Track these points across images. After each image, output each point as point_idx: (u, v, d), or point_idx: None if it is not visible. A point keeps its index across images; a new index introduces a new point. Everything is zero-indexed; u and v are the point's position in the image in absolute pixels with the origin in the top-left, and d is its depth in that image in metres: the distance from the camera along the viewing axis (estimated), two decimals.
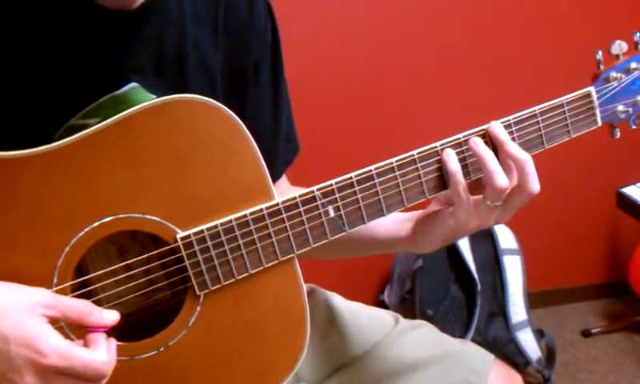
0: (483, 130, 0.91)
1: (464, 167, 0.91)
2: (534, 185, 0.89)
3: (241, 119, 0.84)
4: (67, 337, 0.72)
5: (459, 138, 0.91)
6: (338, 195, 0.87)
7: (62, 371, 0.69)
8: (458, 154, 0.90)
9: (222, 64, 0.97)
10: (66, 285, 0.79)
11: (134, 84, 0.89)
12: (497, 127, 0.91)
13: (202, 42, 0.95)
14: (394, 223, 1.02)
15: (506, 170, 0.89)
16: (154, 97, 0.89)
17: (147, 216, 0.81)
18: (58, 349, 0.69)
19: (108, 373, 0.73)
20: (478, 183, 0.93)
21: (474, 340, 1.99)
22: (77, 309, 0.73)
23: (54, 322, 0.71)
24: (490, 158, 0.89)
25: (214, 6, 0.96)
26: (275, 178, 1.06)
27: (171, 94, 0.82)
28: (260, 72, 1.03)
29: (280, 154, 1.09)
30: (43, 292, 0.73)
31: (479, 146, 0.90)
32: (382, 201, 0.89)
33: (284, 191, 0.85)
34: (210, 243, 0.83)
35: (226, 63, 0.98)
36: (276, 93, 1.07)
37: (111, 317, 0.76)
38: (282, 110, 1.08)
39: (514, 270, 2.39)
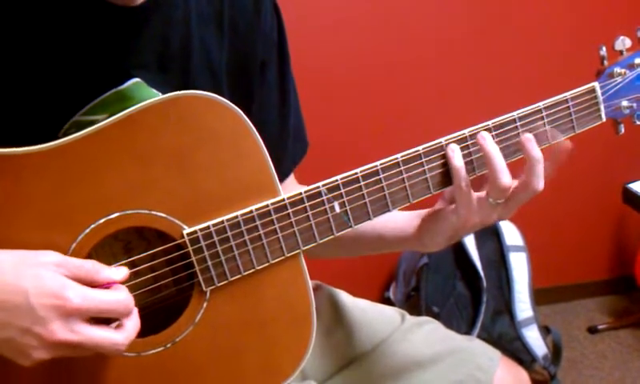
0: (488, 125, 0.91)
1: (469, 163, 0.91)
2: (539, 183, 0.88)
3: (247, 117, 0.84)
4: None
5: (464, 134, 0.91)
6: (343, 191, 0.88)
7: (87, 312, 0.71)
8: (462, 149, 0.90)
9: (227, 62, 0.97)
10: None
11: (136, 79, 0.89)
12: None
13: (207, 40, 0.95)
14: (400, 221, 1.02)
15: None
16: (157, 93, 0.90)
17: (153, 212, 0.82)
18: (81, 292, 0.71)
19: (133, 305, 0.76)
20: (483, 180, 0.93)
21: (479, 337, 1.99)
22: (84, 268, 0.74)
23: None
24: (496, 155, 0.88)
25: (220, 4, 0.96)
26: (283, 176, 1.06)
27: (175, 90, 0.82)
28: (267, 71, 1.03)
29: (288, 152, 1.09)
30: (51, 253, 0.74)
31: (487, 141, 0.89)
32: (387, 196, 0.90)
33: (291, 190, 0.85)
34: (216, 239, 0.83)
35: (231, 61, 0.98)
36: (283, 91, 1.06)
37: (120, 273, 0.77)
38: (290, 109, 1.08)
39: (519, 266, 2.38)
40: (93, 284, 0.74)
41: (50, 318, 0.69)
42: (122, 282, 0.77)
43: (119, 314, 0.74)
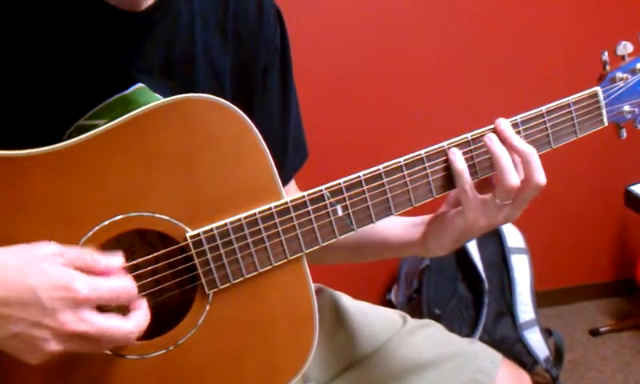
0: (490, 129, 0.92)
1: (472, 166, 0.91)
2: (540, 177, 0.88)
3: None
4: None
5: (467, 138, 0.91)
6: (346, 194, 0.88)
7: (96, 301, 0.71)
8: (465, 153, 0.91)
9: (230, 67, 0.98)
10: None
11: (140, 85, 0.89)
12: (504, 124, 0.91)
13: (211, 45, 0.95)
14: (405, 227, 1.02)
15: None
16: (161, 98, 0.90)
17: (157, 215, 0.82)
18: (88, 282, 0.71)
19: (136, 292, 0.76)
20: (487, 182, 0.93)
21: (481, 339, 2.00)
22: (82, 257, 0.74)
23: None
24: (503, 156, 0.89)
25: (224, 11, 0.96)
26: (284, 182, 1.06)
27: (179, 94, 0.82)
28: (269, 77, 1.03)
29: (289, 158, 1.09)
30: (49, 244, 0.74)
31: (494, 142, 0.90)
32: (390, 200, 0.90)
33: (292, 196, 0.85)
34: (219, 242, 0.83)
35: (234, 67, 0.98)
36: (285, 98, 1.07)
37: (117, 260, 0.77)
38: (291, 115, 1.08)
39: (521, 268, 2.38)
40: (92, 272, 0.74)
41: (60, 310, 0.69)
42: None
43: (125, 301, 0.75)
